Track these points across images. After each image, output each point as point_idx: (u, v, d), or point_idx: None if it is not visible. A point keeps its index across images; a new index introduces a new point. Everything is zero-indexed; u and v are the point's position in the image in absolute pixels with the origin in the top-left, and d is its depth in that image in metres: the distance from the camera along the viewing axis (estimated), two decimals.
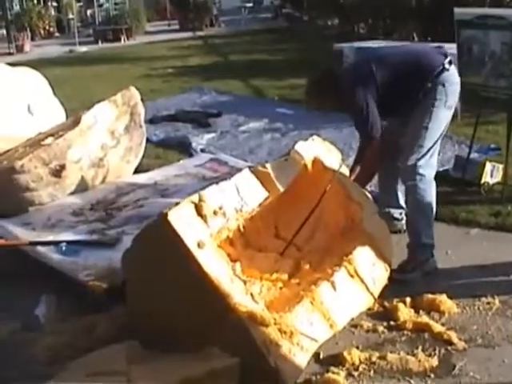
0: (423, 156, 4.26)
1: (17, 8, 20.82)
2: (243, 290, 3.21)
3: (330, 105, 4.56)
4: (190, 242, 3.07)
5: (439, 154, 6.34)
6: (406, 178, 4.38)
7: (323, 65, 10.41)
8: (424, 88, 4.23)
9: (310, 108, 4.82)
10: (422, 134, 4.25)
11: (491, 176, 5.61)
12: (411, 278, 4.23)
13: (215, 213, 3.32)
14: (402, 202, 4.64)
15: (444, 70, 4.26)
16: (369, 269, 3.79)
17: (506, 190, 5.36)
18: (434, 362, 3.39)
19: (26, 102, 6.67)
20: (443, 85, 4.25)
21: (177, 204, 3.19)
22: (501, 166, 5.58)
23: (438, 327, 3.66)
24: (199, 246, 3.08)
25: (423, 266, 4.29)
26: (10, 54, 17.64)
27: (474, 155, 5.96)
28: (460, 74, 5.64)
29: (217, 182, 3.62)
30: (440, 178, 5.70)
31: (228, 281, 3.13)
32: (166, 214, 3.06)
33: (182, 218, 3.11)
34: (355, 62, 5.03)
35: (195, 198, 3.27)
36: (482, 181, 5.58)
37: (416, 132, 4.28)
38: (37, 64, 9.32)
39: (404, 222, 4.69)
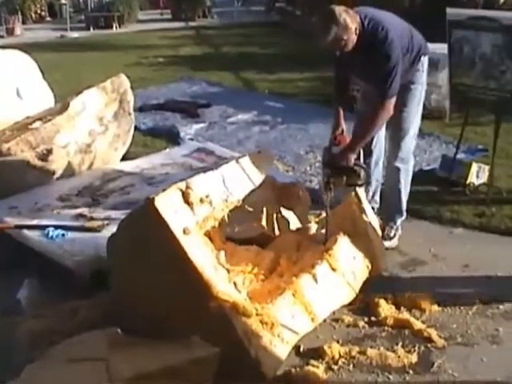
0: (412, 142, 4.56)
1: None
2: (226, 278, 3.22)
3: (350, 44, 4.04)
4: (176, 228, 3.06)
5: (425, 153, 6.46)
6: (399, 160, 4.55)
7: (314, 60, 10.46)
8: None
9: (327, 43, 4.00)
10: (415, 120, 4.48)
11: (477, 177, 5.65)
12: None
13: (202, 201, 3.32)
14: None
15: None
16: (349, 263, 3.81)
17: (491, 191, 5.39)
18: (414, 358, 3.42)
19: (14, 86, 6.62)
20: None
21: (164, 190, 3.19)
22: (487, 168, 5.62)
23: (418, 324, 3.69)
24: (185, 232, 3.08)
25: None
26: (0, 36, 17.52)
27: (460, 155, 6.00)
28: (450, 75, 5.72)
29: (204, 172, 3.63)
30: (426, 176, 5.81)
31: (212, 269, 3.13)
32: (153, 200, 3.04)
33: (168, 204, 3.10)
34: (384, 20, 4.21)
35: (182, 185, 3.26)
36: (468, 181, 5.61)
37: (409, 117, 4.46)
38: (27, 48, 9.24)
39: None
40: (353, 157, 4.12)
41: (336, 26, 3.90)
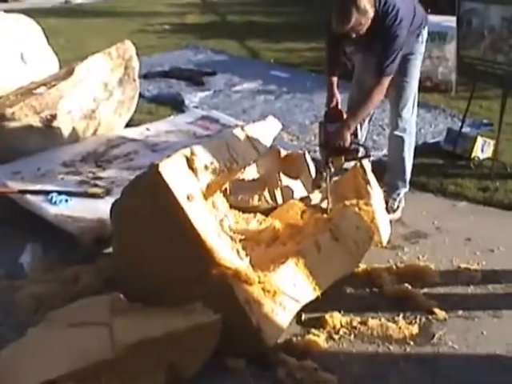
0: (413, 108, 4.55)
1: None
2: (229, 245, 3.21)
3: (365, 27, 3.96)
4: (180, 194, 3.03)
5: (431, 126, 6.43)
6: (402, 130, 4.54)
7: (321, 30, 10.39)
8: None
9: (342, 30, 3.93)
10: (414, 89, 4.50)
11: (482, 151, 5.62)
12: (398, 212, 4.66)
13: (206, 168, 3.29)
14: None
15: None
16: (352, 233, 3.81)
17: (496, 165, 5.37)
18: (414, 329, 3.43)
19: (19, 50, 6.58)
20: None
21: (168, 156, 3.17)
22: (492, 142, 5.59)
23: (419, 296, 3.69)
24: (188, 198, 3.06)
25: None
26: (4, 1, 17.33)
27: (466, 129, 5.97)
28: (458, 47, 5.67)
29: (209, 139, 3.62)
30: (431, 149, 5.79)
31: (215, 235, 3.12)
32: (157, 166, 3.02)
33: (172, 170, 3.07)
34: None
35: (187, 151, 3.23)
36: (473, 155, 5.59)
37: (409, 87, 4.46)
38: (31, 13, 9.11)
39: None
40: (349, 135, 4.06)
41: (357, 12, 3.82)
